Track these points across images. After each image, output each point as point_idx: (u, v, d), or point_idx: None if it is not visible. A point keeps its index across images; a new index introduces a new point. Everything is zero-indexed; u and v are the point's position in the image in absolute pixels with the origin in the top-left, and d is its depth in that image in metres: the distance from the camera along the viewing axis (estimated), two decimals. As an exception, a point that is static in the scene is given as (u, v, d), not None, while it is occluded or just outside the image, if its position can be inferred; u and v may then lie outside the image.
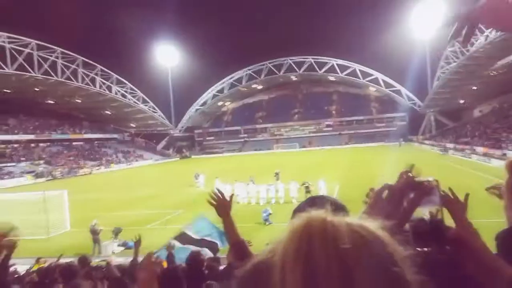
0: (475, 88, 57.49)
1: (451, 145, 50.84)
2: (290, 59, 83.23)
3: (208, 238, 9.30)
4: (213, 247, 9.26)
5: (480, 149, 41.20)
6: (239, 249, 2.21)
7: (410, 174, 0.71)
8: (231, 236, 2.32)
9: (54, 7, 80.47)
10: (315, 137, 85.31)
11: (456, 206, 0.74)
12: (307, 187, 19.54)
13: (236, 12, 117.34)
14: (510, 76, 45.91)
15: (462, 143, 49.39)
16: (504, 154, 33.99)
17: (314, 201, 1.42)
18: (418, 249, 0.71)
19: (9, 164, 50.79)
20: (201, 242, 9.22)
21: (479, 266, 0.69)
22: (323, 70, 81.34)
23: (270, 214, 15.98)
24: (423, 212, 0.74)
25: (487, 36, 42.02)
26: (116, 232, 14.64)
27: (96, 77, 66.99)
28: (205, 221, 10.25)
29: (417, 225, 0.74)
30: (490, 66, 48.16)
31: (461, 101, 66.00)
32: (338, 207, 1.36)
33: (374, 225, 0.54)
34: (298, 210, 1.40)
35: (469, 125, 58.71)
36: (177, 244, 9.00)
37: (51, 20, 75.70)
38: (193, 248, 8.59)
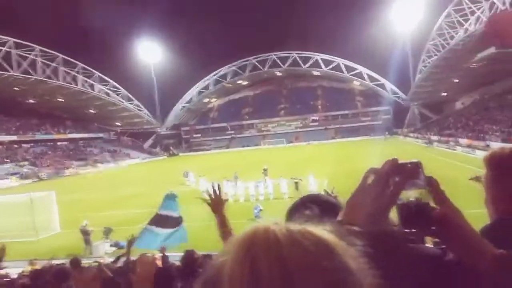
0: (456, 80, 58.65)
1: (435, 138, 51.88)
2: (274, 55, 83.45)
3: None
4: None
5: (464, 141, 42.17)
6: (227, 238, 2.30)
7: (395, 158, 0.73)
8: (225, 230, 2.45)
9: (32, 4, 78.76)
10: (302, 132, 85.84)
11: (440, 187, 0.76)
12: (296, 183, 19.73)
13: (219, 8, 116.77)
14: (489, 69, 46.97)
15: (446, 135, 50.43)
16: (487, 145, 34.90)
17: (308, 200, 1.48)
18: (406, 230, 0.72)
19: (-8, 166, 49.78)
20: (180, 220, 8.96)
21: (463, 245, 0.72)
22: (307, 65, 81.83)
23: (261, 210, 16.16)
24: (409, 194, 0.74)
25: (467, 29, 42.90)
26: (107, 232, 14.62)
27: (77, 75, 66.06)
28: (174, 199, 9.93)
29: (403, 208, 0.74)
30: (470, 58, 49.19)
31: (444, 94, 67.27)
32: (331, 205, 1.42)
33: (320, 231, 0.54)
34: (293, 209, 1.46)
35: (451, 118, 59.94)
36: (157, 230, 8.70)
37: (28, 17, 74.11)
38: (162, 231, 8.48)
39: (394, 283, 0.61)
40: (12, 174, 48.35)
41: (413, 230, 0.72)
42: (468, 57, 47.18)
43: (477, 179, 2.06)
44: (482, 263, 0.70)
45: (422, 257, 0.78)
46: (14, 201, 19.45)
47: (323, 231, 0.55)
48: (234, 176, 24.53)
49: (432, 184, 0.75)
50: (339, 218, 0.76)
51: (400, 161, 0.73)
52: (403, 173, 0.72)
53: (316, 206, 1.36)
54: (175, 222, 8.80)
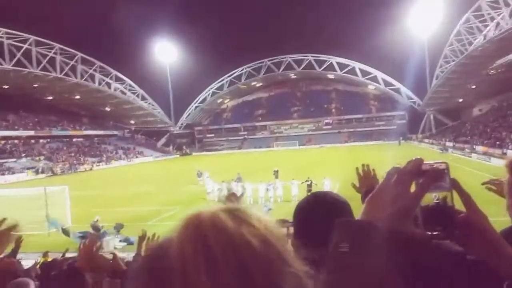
0: (474, 87, 57.69)
1: (450, 144, 51.05)
2: (289, 57, 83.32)
3: None
4: None
5: (479, 148, 41.40)
6: None
7: (420, 158, 0.71)
8: None
9: (53, 3, 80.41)
10: (315, 135, 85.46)
11: (465, 190, 0.74)
12: (309, 185, 19.31)
13: (235, 10, 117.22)
14: (508, 75, 46.11)
15: (461, 141, 49.61)
16: (504, 153, 34.20)
17: (317, 196, 1.49)
18: (428, 233, 0.70)
19: (10, 160, 50.89)
20: None
21: (488, 251, 0.70)
22: (322, 68, 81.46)
23: (270, 209, 16.11)
24: (433, 197, 0.72)
25: (485, 35, 42.18)
26: (118, 228, 14.79)
27: (95, 73, 67.07)
28: None
29: (427, 210, 0.71)
30: (489, 65, 48.33)
31: (460, 100, 66.19)
32: (340, 203, 1.43)
33: (256, 212, 0.56)
34: (301, 205, 1.47)
35: (468, 124, 58.93)
36: None
37: (49, 16, 75.59)
38: None
39: (413, 281, 0.62)
40: (28, 168, 49.40)
41: (436, 233, 0.71)
42: (486, 63, 46.40)
43: (489, 183, 2.03)
44: (506, 269, 0.69)
45: (443, 254, 0.77)
46: (29, 194, 19.83)
47: (265, 216, 0.56)
48: (238, 177, 24.28)
49: (457, 187, 0.73)
50: (359, 216, 0.74)
51: (425, 162, 0.71)
52: (428, 174, 0.69)
53: (325, 204, 1.39)
54: None
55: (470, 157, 38.88)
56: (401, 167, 0.72)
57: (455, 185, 0.72)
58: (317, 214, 1.33)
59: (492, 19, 42.51)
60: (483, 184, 2.06)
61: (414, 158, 0.72)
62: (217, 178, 24.26)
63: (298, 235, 1.39)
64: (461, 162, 34.84)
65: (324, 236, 1.21)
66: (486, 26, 43.91)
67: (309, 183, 19.56)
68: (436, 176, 0.70)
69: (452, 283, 0.79)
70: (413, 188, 0.70)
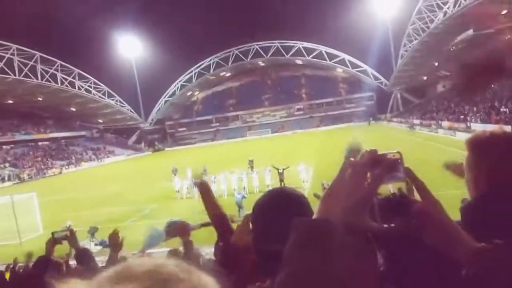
0: (437, 64, 59.32)
1: (417, 121, 52.50)
2: (256, 44, 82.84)
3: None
4: None
5: (445, 124, 42.77)
6: (218, 222, 2.29)
7: (374, 150, 0.70)
8: (210, 209, 2.40)
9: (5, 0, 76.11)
10: (287, 121, 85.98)
11: (419, 179, 0.74)
12: (280, 173, 19.00)
13: (200, 0, 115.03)
14: (469, 51, 47.59)
15: (427, 118, 51.09)
16: (468, 127, 35.53)
17: (272, 196, 1.46)
18: (385, 225, 0.70)
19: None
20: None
21: (443, 239, 0.71)
22: (290, 54, 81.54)
23: (244, 197, 15.89)
24: (388, 188, 0.71)
25: (446, 12, 43.23)
26: (92, 231, 14.35)
27: (56, 73, 64.44)
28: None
29: (382, 202, 0.72)
30: (450, 41, 49.73)
31: (425, 78, 68.03)
32: (296, 197, 1.41)
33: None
34: (259, 205, 1.44)
35: (433, 101, 60.74)
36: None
37: (2, 15, 71.63)
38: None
39: (369, 276, 0.62)
40: (-7, 177, 47.22)
41: (392, 225, 0.70)
42: (447, 40, 47.66)
43: (451, 166, 2.01)
44: (462, 256, 0.70)
45: (402, 245, 0.77)
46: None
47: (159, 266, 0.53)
48: (203, 169, 23.79)
49: (411, 176, 0.73)
50: (315, 214, 0.72)
51: (378, 153, 0.71)
52: (382, 165, 0.69)
53: (281, 200, 1.39)
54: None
55: (437, 133, 40.15)
56: (355, 160, 0.72)
57: (409, 174, 0.72)
58: (273, 211, 1.34)
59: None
60: (445, 167, 2.03)
61: (367, 150, 0.72)
62: (183, 176, 23.57)
63: (256, 234, 1.41)
64: (429, 138, 35.94)
65: (283, 232, 1.17)
66: (446, 3, 44.98)
67: (280, 171, 19.14)
68: (390, 167, 0.69)
69: (413, 273, 0.79)
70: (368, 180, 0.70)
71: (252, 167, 24.94)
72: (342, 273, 0.59)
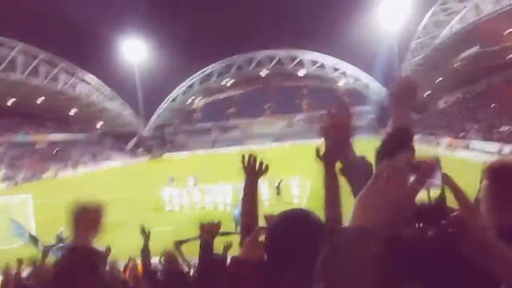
0: (440, 79, 59.25)
1: (418, 136, 52.07)
2: (260, 54, 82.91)
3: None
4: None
5: (445, 140, 42.34)
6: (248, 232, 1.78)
7: (410, 154, 0.65)
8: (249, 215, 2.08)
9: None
10: (287, 131, 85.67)
11: (459, 187, 0.70)
12: (277, 187, 18.51)
13: (204, 7, 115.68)
14: (472, 68, 47.49)
15: (427, 134, 50.72)
16: (467, 146, 35.14)
17: (284, 218, 1.40)
18: (421, 234, 0.67)
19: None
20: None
21: (482, 251, 0.67)
22: (293, 64, 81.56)
23: None
24: (424, 194, 0.68)
25: (452, 27, 43.19)
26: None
27: (59, 74, 64.12)
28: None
29: (420, 209, 0.69)
30: (454, 58, 49.68)
31: (428, 92, 67.93)
32: (313, 223, 1.35)
33: None
34: (271, 227, 1.40)
35: (434, 116, 60.48)
36: None
37: (9, 14, 71.64)
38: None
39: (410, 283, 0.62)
40: (-12, 178, 46.57)
41: (430, 233, 0.68)
42: (451, 56, 47.58)
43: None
44: (501, 270, 0.66)
45: (439, 254, 0.72)
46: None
47: None
48: (194, 181, 22.87)
49: (450, 183, 0.69)
50: (349, 221, 0.68)
51: (416, 158, 0.68)
52: (421, 170, 0.65)
53: (298, 224, 1.35)
54: None
55: (437, 148, 39.69)
56: (391, 164, 0.67)
57: (447, 181, 0.69)
58: (285, 234, 1.32)
59: (457, 12, 43.63)
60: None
61: (403, 154, 0.67)
62: (177, 185, 23.14)
63: (270, 258, 1.36)
64: (428, 153, 35.39)
65: (297, 256, 1.25)
66: (452, 19, 45.03)
67: (276, 185, 18.62)
68: (429, 172, 0.66)
69: (449, 284, 0.76)
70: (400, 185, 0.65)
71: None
72: (379, 283, 0.57)
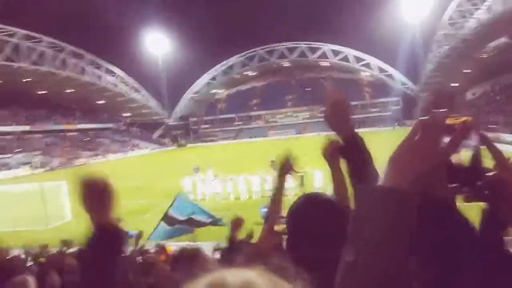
0: (467, 71, 57.85)
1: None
2: (282, 45, 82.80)
3: (194, 217, 9.72)
4: (200, 225, 9.84)
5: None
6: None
7: (444, 112, 0.64)
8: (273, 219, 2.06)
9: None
10: (310, 123, 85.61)
11: (497, 148, 0.68)
12: (301, 178, 18.75)
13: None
14: (500, 59, 46.24)
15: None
16: (497, 138, 34.46)
17: (309, 200, 1.43)
18: (455, 194, 0.64)
19: (5, 156, 50.65)
20: (189, 222, 9.70)
21: None
22: (315, 55, 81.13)
23: None
24: (459, 155, 0.66)
25: (479, 18, 42.15)
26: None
27: (86, 66, 66.46)
28: (184, 201, 11.03)
29: (454, 169, 0.65)
30: (481, 48, 48.44)
31: (454, 84, 66.41)
32: (331, 205, 1.40)
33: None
34: (293, 211, 1.42)
35: (461, 108, 59.24)
36: (166, 227, 9.56)
37: (36, 8, 74.43)
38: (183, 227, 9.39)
39: (440, 251, 0.58)
40: (24, 163, 49.22)
41: (465, 194, 0.65)
42: (479, 47, 46.46)
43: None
44: None
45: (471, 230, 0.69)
46: (26, 190, 19.89)
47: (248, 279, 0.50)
48: (194, 169, 23.20)
49: (488, 143, 0.66)
50: (382, 181, 0.63)
51: (450, 117, 0.64)
52: (458, 129, 0.62)
53: (317, 206, 1.38)
54: (176, 221, 9.70)
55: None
56: (428, 120, 0.64)
57: (485, 141, 0.66)
58: (310, 217, 1.34)
59: (484, 2, 42.45)
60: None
61: (439, 112, 0.64)
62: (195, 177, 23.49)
63: (292, 239, 1.39)
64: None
65: (319, 238, 1.26)
66: (477, 9, 43.85)
67: (300, 176, 18.98)
68: (466, 132, 0.63)
69: (486, 245, 0.72)
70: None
71: (274, 169, 24.48)
72: (402, 240, 0.55)
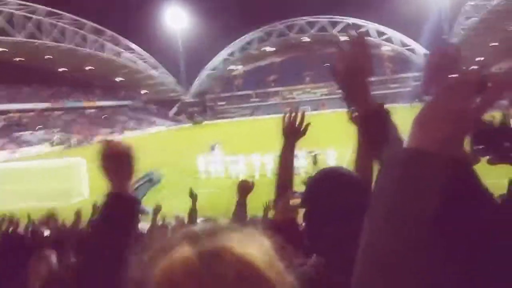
0: (495, 44, 55.31)
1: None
2: (302, 19, 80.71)
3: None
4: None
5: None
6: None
7: (477, 69, 0.57)
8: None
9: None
10: (328, 99, 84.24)
11: None
12: (314, 157, 18.27)
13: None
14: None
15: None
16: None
17: (328, 176, 1.41)
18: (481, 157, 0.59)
19: (26, 133, 51.84)
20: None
21: None
22: (336, 30, 78.86)
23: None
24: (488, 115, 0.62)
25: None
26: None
27: (105, 42, 66.47)
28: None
29: (483, 131, 0.61)
30: (510, 20, 46.00)
31: (480, 59, 63.74)
32: (349, 179, 1.36)
33: (243, 249, 0.51)
34: (313, 185, 1.40)
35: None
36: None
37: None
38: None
39: (464, 218, 0.53)
40: (45, 140, 50.31)
41: (489, 157, 0.61)
42: (508, 19, 44.08)
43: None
44: None
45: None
46: (47, 166, 20.24)
47: (247, 248, 0.52)
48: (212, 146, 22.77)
49: None
50: (407, 142, 0.59)
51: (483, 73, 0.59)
52: (492, 88, 0.57)
53: (334, 180, 1.35)
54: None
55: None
56: (458, 77, 0.60)
57: None
58: (329, 192, 1.31)
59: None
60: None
61: (470, 70, 0.60)
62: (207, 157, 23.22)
63: (310, 214, 1.36)
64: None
65: (337, 213, 1.24)
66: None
67: (314, 154, 18.41)
68: (499, 91, 0.57)
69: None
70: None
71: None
72: (439, 210, 0.51)
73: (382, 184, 0.57)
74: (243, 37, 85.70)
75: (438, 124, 0.56)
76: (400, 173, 0.54)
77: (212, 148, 28.20)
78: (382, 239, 0.52)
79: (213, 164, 20.81)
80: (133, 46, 72.69)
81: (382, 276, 0.50)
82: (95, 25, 63.27)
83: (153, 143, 44.34)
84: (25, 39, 51.34)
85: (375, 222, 0.54)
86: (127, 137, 59.13)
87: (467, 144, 0.58)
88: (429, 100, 0.60)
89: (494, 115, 0.63)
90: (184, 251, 0.51)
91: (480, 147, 0.60)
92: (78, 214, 7.84)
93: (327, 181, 1.37)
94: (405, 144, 0.59)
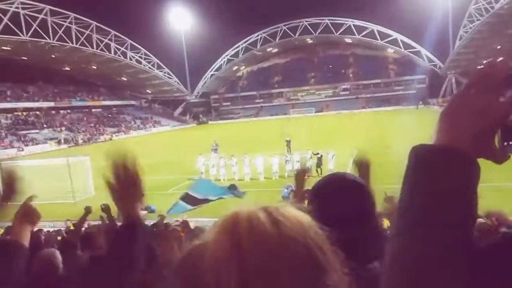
0: (499, 47, 55.19)
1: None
2: (306, 21, 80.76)
3: (211, 197, 10.18)
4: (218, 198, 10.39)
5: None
6: None
7: (506, 59, 0.56)
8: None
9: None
10: (332, 101, 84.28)
11: None
12: (319, 159, 18.22)
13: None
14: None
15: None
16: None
17: (334, 180, 1.41)
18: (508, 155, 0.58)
19: (32, 131, 52.30)
20: (207, 201, 10.17)
21: None
22: (340, 31, 78.85)
23: (292, 190, 15.50)
24: None
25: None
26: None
27: (110, 42, 66.87)
28: (205, 182, 12.22)
29: (509, 126, 0.58)
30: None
31: (485, 62, 63.58)
32: (357, 186, 1.36)
33: (295, 212, 0.53)
34: (318, 190, 1.40)
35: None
36: (186, 205, 10.11)
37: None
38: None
39: None
40: (51, 139, 50.74)
41: None
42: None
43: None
44: None
45: None
46: (52, 165, 20.50)
47: (300, 213, 0.53)
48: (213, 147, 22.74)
49: None
50: (433, 140, 0.57)
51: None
52: None
53: (342, 186, 1.35)
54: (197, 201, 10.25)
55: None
56: (487, 70, 0.57)
57: None
58: (335, 197, 1.32)
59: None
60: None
61: (497, 62, 0.57)
62: (207, 157, 23.02)
63: (315, 219, 1.38)
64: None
65: (343, 218, 1.21)
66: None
67: (319, 156, 18.40)
68: None
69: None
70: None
71: (289, 149, 23.72)
72: (466, 206, 0.50)
73: (409, 185, 0.55)
74: (247, 38, 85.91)
75: (466, 120, 0.54)
76: (427, 170, 0.53)
77: (215, 148, 28.41)
78: (413, 244, 0.51)
79: (215, 165, 20.85)
80: (138, 46, 73.07)
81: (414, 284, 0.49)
82: (100, 25, 63.70)
83: (158, 143, 44.59)
84: (30, 39, 51.81)
85: (403, 231, 0.53)
86: (132, 136, 59.58)
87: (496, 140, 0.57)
88: (456, 93, 0.58)
89: None
90: (249, 207, 0.52)
91: (510, 143, 0.58)
92: (88, 210, 7.99)
93: (332, 186, 1.37)
94: (432, 139, 0.57)
